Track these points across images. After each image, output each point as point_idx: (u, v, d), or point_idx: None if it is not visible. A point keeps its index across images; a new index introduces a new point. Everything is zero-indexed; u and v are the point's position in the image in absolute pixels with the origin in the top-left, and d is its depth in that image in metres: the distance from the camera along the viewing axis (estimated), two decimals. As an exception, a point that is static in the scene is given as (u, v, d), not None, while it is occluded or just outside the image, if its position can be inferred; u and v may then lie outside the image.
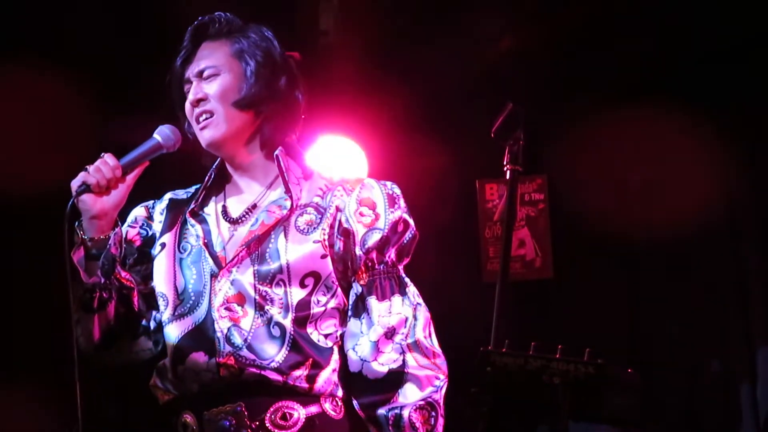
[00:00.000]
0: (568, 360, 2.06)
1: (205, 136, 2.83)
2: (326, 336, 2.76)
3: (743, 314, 4.76)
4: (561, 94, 5.10)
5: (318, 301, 2.75)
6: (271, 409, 2.69)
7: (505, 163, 2.45)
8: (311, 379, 2.71)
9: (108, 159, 2.74)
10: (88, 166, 2.72)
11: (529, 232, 5.28)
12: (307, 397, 2.71)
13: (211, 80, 2.82)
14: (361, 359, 2.73)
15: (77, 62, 4.66)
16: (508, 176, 2.49)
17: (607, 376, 2.05)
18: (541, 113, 4.68)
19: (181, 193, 2.98)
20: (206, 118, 2.81)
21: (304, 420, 2.70)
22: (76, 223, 2.75)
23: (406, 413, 2.68)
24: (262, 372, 2.69)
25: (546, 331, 4.96)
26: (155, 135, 2.82)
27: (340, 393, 2.77)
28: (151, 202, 2.95)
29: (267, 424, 2.68)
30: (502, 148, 2.46)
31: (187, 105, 2.84)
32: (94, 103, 4.81)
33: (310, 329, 2.74)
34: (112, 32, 4.74)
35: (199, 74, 2.83)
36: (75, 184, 2.71)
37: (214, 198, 2.91)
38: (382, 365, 2.71)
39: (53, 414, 4.55)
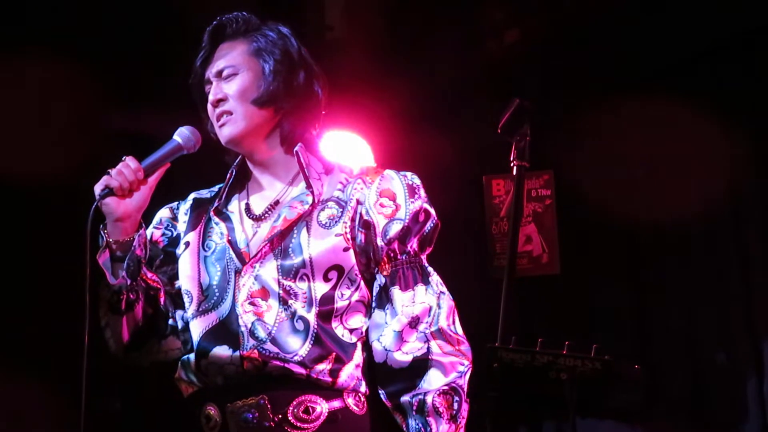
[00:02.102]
0: (575, 356, 2.07)
1: (223, 134, 2.85)
2: (351, 331, 2.78)
3: (749, 307, 4.75)
4: (568, 89, 5.09)
5: (342, 295, 2.77)
6: (294, 403, 2.71)
7: (511, 158, 2.45)
8: (334, 373, 2.73)
9: (129, 162, 2.76)
10: (110, 170, 2.74)
11: (536, 228, 5.28)
12: (330, 391, 2.73)
13: (230, 80, 2.84)
14: (386, 349, 2.75)
15: (93, 58, 4.68)
16: (514, 172, 2.48)
17: (614, 372, 2.05)
18: (548, 109, 4.70)
19: (205, 193, 3.01)
20: (225, 117, 2.83)
21: (326, 414, 2.72)
22: (101, 226, 2.77)
23: (429, 398, 2.70)
24: (286, 365, 2.70)
25: (553, 327, 4.96)
26: (175, 137, 2.84)
27: (363, 389, 2.80)
28: (176, 203, 2.98)
29: (289, 418, 2.70)
30: (509, 144, 2.46)
31: (208, 105, 2.87)
32: (114, 99, 4.84)
33: (335, 324, 2.76)
34: (127, 28, 4.75)
35: (219, 74, 2.86)
36: (98, 187, 2.73)
37: (237, 196, 2.93)
38: (406, 354, 2.73)
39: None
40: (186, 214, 2.97)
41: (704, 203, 4.80)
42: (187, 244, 2.89)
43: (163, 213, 3.00)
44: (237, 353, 2.72)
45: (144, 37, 4.79)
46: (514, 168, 2.47)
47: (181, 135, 2.84)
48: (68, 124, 4.86)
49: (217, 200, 2.92)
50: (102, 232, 2.78)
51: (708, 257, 4.90)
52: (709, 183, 4.78)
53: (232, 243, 2.83)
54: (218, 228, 2.88)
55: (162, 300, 2.88)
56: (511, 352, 2.09)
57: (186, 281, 2.86)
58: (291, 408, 2.71)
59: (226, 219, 2.89)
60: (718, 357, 4.85)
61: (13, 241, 4.96)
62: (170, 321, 2.91)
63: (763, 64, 4.68)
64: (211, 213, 2.90)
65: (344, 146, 5.10)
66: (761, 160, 4.70)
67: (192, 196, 3.01)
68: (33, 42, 4.64)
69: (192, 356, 2.80)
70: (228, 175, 2.94)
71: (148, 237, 2.88)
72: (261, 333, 2.72)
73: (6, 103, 4.68)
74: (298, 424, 2.70)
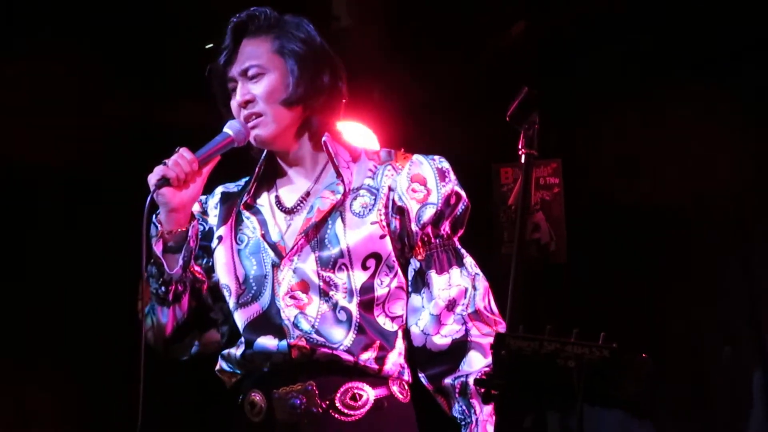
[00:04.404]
0: (583, 344, 2.07)
1: (254, 136, 2.84)
2: (393, 319, 2.80)
3: (755, 300, 4.75)
4: (577, 78, 5.09)
5: (381, 283, 2.78)
6: (342, 389, 2.74)
7: (520, 147, 2.45)
8: (380, 360, 2.75)
9: (184, 153, 2.76)
10: (166, 160, 2.74)
11: (544, 217, 5.28)
12: (377, 378, 2.76)
13: (257, 80, 2.83)
14: (424, 333, 2.78)
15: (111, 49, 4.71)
16: (523, 160, 2.48)
17: (621, 360, 2.05)
18: (557, 97, 4.70)
19: (232, 186, 3.02)
20: (255, 119, 2.83)
21: (372, 402, 2.75)
22: (153, 216, 2.79)
23: (471, 380, 2.71)
24: (334, 352, 2.72)
25: (560, 316, 4.96)
26: (226, 129, 2.84)
27: (407, 377, 2.82)
28: (204, 197, 2.96)
29: (337, 404, 2.73)
30: (518, 132, 2.46)
31: (234, 104, 2.85)
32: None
33: (377, 312, 2.78)
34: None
35: (244, 73, 2.84)
36: (153, 178, 2.73)
37: (265, 189, 2.94)
38: (444, 337, 2.76)
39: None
40: (215, 207, 2.97)
41: (712, 196, 4.80)
42: (221, 238, 2.90)
43: (194, 207, 2.96)
44: (284, 342, 2.74)
45: (158, 26, 4.81)
46: (523, 156, 2.47)
47: (232, 128, 2.83)
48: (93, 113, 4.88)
49: (245, 194, 2.92)
50: (156, 223, 2.79)
51: (717, 247, 4.91)
52: (718, 175, 4.78)
53: (266, 237, 2.84)
54: (249, 222, 2.89)
55: (205, 292, 2.89)
56: (518, 340, 2.09)
57: (223, 275, 2.87)
58: (338, 394, 2.73)
59: (256, 213, 2.90)
60: (725, 349, 4.85)
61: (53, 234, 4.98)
62: (211, 314, 2.91)
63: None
64: (241, 207, 2.91)
65: (351, 136, 5.10)
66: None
67: (219, 189, 3.01)
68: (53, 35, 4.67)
69: (235, 348, 2.83)
70: (257, 169, 2.94)
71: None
72: (305, 326, 2.74)
73: (42, 93, 4.70)
74: (346, 411, 2.73)
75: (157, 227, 2.79)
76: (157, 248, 2.77)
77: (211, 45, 2.92)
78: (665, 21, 4.82)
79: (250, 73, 2.83)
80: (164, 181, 2.73)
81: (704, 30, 4.78)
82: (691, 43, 4.88)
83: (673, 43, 4.90)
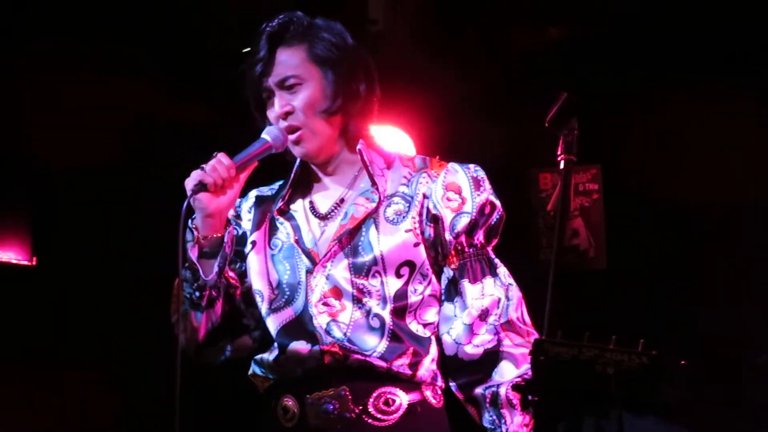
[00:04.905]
0: (622, 350, 2.06)
1: (298, 151, 2.84)
2: (425, 325, 2.80)
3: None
4: (616, 82, 5.07)
5: (415, 290, 2.77)
6: (375, 394, 2.73)
7: (559, 152, 2.44)
8: (413, 366, 2.75)
9: (222, 158, 2.75)
10: (203, 165, 2.74)
11: (583, 223, 5.26)
12: (410, 384, 2.75)
13: (295, 90, 2.80)
14: (456, 342, 2.77)
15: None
16: (562, 166, 2.48)
17: (661, 367, 2.04)
18: (596, 102, 4.68)
19: (266, 190, 3.01)
20: (297, 132, 2.81)
21: (406, 407, 2.74)
22: (189, 222, 2.79)
23: (503, 390, 2.71)
24: (367, 359, 2.72)
25: (599, 322, 4.93)
26: (264, 135, 2.83)
27: (440, 382, 2.81)
28: (237, 200, 2.94)
29: (370, 409, 2.72)
30: (556, 138, 2.45)
31: (273, 115, 2.83)
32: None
33: (408, 319, 2.77)
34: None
35: (280, 84, 2.81)
36: (190, 183, 2.73)
37: (300, 194, 2.93)
38: (476, 347, 2.75)
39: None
40: (249, 212, 2.97)
41: (756, 198, 4.77)
42: (254, 243, 2.90)
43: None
44: (317, 347, 2.74)
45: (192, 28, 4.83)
46: (562, 162, 2.46)
47: (270, 134, 2.82)
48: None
49: (280, 200, 2.91)
50: (191, 228, 2.79)
51: (759, 254, 4.87)
52: (760, 179, 4.74)
53: (300, 243, 2.84)
54: (283, 228, 2.88)
55: (238, 297, 2.88)
56: (557, 346, 2.09)
57: (256, 280, 2.86)
58: (371, 399, 2.73)
59: (290, 218, 2.89)
60: (762, 355, 4.82)
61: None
62: (244, 320, 2.91)
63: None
64: (275, 213, 2.90)
65: (385, 141, 5.10)
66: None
67: (253, 193, 3.00)
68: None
69: (267, 353, 2.83)
70: (291, 175, 2.93)
71: None
72: (337, 333, 2.74)
73: (69, 93, 4.74)
74: (379, 416, 2.72)
75: (193, 233, 2.79)
76: (193, 254, 2.76)
77: (248, 49, 2.91)
78: (705, 19, 4.79)
79: (287, 83, 2.81)
80: (201, 187, 2.72)
81: (747, 28, 4.75)
82: (733, 43, 4.85)
83: (714, 43, 4.87)
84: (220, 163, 2.74)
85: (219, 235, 2.77)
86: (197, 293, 2.78)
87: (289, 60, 2.82)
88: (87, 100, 4.78)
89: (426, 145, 5.12)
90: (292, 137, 2.81)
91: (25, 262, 5.06)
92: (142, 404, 4.94)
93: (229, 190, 2.77)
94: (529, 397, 2.13)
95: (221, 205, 2.77)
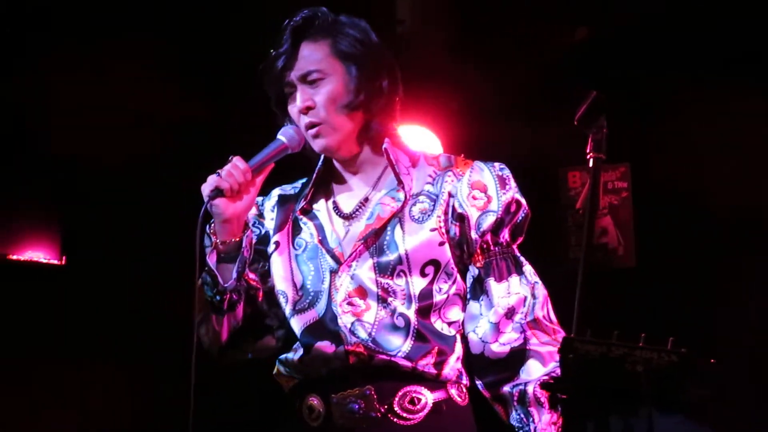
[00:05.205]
0: (652, 348, 2.05)
1: (318, 145, 2.82)
2: (450, 324, 2.79)
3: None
4: (645, 81, 5.05)
5: (440, 289, 2.77)
6: (400, 393, 2.73)
7: (588, 150, 2.44)
8: (438, 365, 2.75)
9: (238, 162, 2.74)
10: (219, 170, 2.73)
11: (612, 221, 5.25)
12: (435, 382, 2.75)
13: (317, 86, 2.78)
14: (482, 341, 2.76)
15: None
16: (591, 164, 2.47)
17: (690, 365, 2.04)
18: (625, 101, 4.67)
19: (288, 189, 2.99)
20: (317, 127, 2.79)
21: (431, 405, 2.74)
22: (206, 227, 2.79)
23: (530, 389, 2.70)
24: (392, 359, 2.72)
25: (628, 321, 4.91)
26: (280, 136, 2.82)
27: (465, 380, 2.81)
28: (260, 198, 2.94)
29: (395, 408, 2.72)
30: (586, 136, 2.45)
31: (294, 110, 2.81)
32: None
33: (433, 318, 2.77)
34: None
35: (303, 79, 2.79)
36: (207, 188, 2.72)
37: (323, 194, 2.91)
38: (503, 345, 2.74)
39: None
40: (272, 210, 2.95)
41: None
42: (277, 243, 2.89)
43: (250, 210, 2.95)
44: (342, 348, 2.74)
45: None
46: (591, 160, 2.46)
47: (286, 134, 2.82)
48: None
49: (302, 200, 2.90)
50: (209, 234, 2.79)
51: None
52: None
53: (324, 243, 2.83)
54: (306, 227, 2.87)
55: (260, 299, 2.87)
56: (586, 344, 2.08)
57: (280, 281, 2.86)
58: (397, 399, 2.72)
59: (313, 218, 2.87)
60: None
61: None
62: (267, 320, 2.90)
63: None
64: (297, 213, 2.89)
65: (409, 139, 5.11)
66: None
67: (276, 192, 2.98)
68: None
69: (292, 353, 2.83)
70: (314, 174, 2.91)
71: None
72: (362, 333, 2.74)
73: (96, 94, 4.76)
74: (404, 415, 2.72)
75: (210, 238, 2.78)
76: (211, 260, 2.75)
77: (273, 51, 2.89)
78: (736, 18, 4.77)
79: (310, 78, 2.79)
80: (218, 192, 2.71)
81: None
82: (762, 42, 4.83)
83: (745, 41, 4.85)
84: (235, 167, 2.73)
85: (237, 239, 2.76)
86: (218, 297, 2.77)
87: (312, 54, 2.80)
88: (116, 101, 4.80)
89: (455, 146, 5.11)
90: (311, 131, 2.80)
91: (55, 261, 5.09)
92: (166, 402, 4.95)
93: (246, 194, 2.76)
94: (558, 395, 2.13)
95: (238, 209, 2.75)
